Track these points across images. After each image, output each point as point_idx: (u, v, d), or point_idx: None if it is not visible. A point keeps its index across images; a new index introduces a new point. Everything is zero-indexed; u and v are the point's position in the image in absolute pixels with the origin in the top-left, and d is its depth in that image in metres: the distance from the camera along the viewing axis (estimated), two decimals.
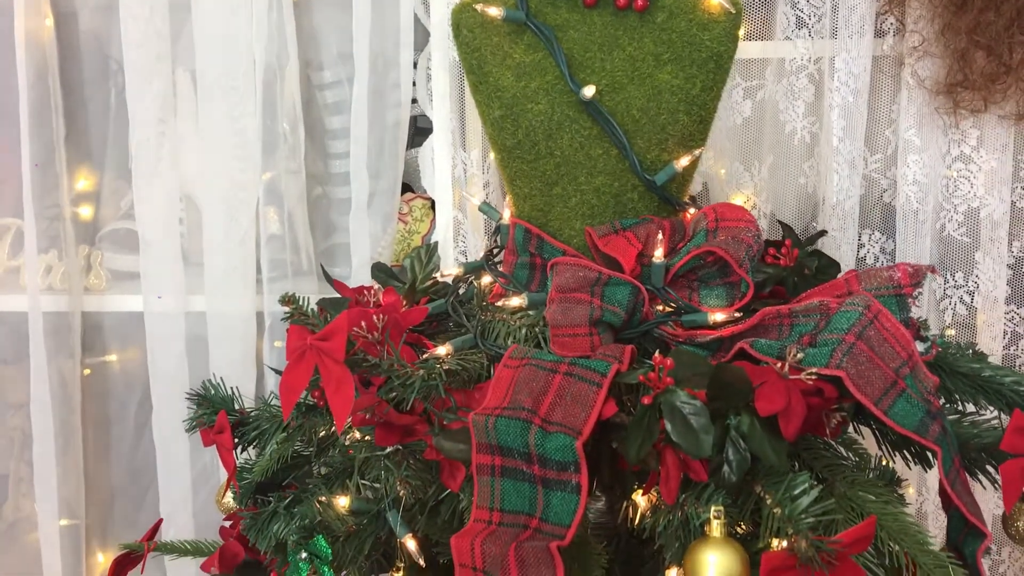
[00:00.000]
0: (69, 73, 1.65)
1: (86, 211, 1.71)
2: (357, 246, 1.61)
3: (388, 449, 0.95)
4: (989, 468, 0.98)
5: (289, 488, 1.11)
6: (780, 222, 1.10)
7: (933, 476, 1.55)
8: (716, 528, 0.79)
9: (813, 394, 0.85)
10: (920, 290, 0.99)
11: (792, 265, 1.05)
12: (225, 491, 1.27)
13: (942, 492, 0.95)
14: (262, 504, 1.13)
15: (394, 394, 0.93)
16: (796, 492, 0.82)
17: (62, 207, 1.62)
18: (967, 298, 1.55)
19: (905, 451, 1.02)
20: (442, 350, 0.96)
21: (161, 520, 1.32)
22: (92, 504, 1.72)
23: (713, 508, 0.79)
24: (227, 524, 1.20)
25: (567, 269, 0.97)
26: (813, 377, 0.84)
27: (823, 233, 1.12)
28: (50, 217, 1.64)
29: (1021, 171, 1.54)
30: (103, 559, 1.75)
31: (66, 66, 1.64)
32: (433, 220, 1.64)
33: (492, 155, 1.57)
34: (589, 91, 0.98)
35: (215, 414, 1.04)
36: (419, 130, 1.78)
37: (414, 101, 1.62)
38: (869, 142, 1.54)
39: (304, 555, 0.96)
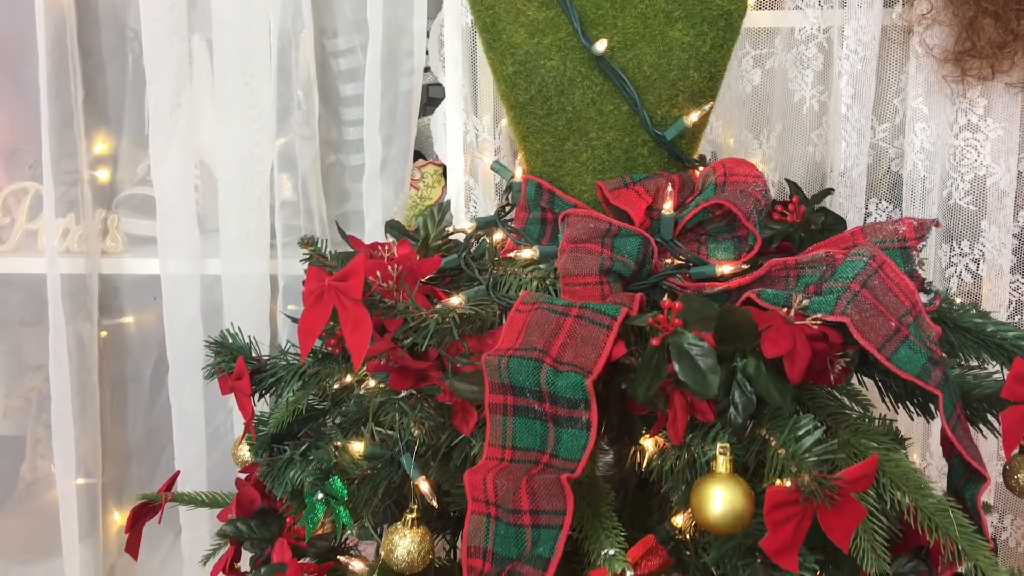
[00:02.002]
0: (87, 39, 1.67)
1: (103, 175, 1.74)
2: (370, 211, 1.63)
3: (402, 393, 0.97)
4: (990, 418, 1.00)
5: (304, 438, 1.14)
6: (788, 180, 1.12)
7: (937, 440, 1.57)
8: (722, 464, 0.81)
9: (818, 340, 0.87)
10: (924, 243, 1.01)
11: (799, 221, 1.07)
12: (241, 442, 1.29)
13: (943, 439, 0.97)
14: (278, 453, 1.15)
15: (408, 339, 0.95)
16: (800, 433, 0.84)
17: (80, 171, 1.65)
18: (972, 266, 1.57)
19: (908, 403, 1.05)
20: (455, 300, 0.99)
21: (178, 472, 1.35)
22: (109, 463, 1.75)
23: (719, 445, 0.82)
24: (243, 476, 1.23)
25: (578, 221, 0.99)
26: (818, 323, 0.86)
27: (829, 191, 1.13)
28: (68, 182, 1.66)
29: None
30: (119, 517, 1.79)
31: (84, 31, 1.66)
32: (444, 186, 1.67)
33: (504, 120, 1.59)
34: (601, 46, 1.00)
35: (233, 361, 1.07)
36: (430, 100, 1.80)
37: (427, 70, 1.64)
38: (877, 111, 1.56)
39: (320, 496, 0.98)
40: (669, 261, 1.02)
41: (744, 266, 0.99)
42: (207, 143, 1.67)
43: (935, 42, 1.47)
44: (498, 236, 1.14)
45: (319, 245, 0.87)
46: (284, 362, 1.09)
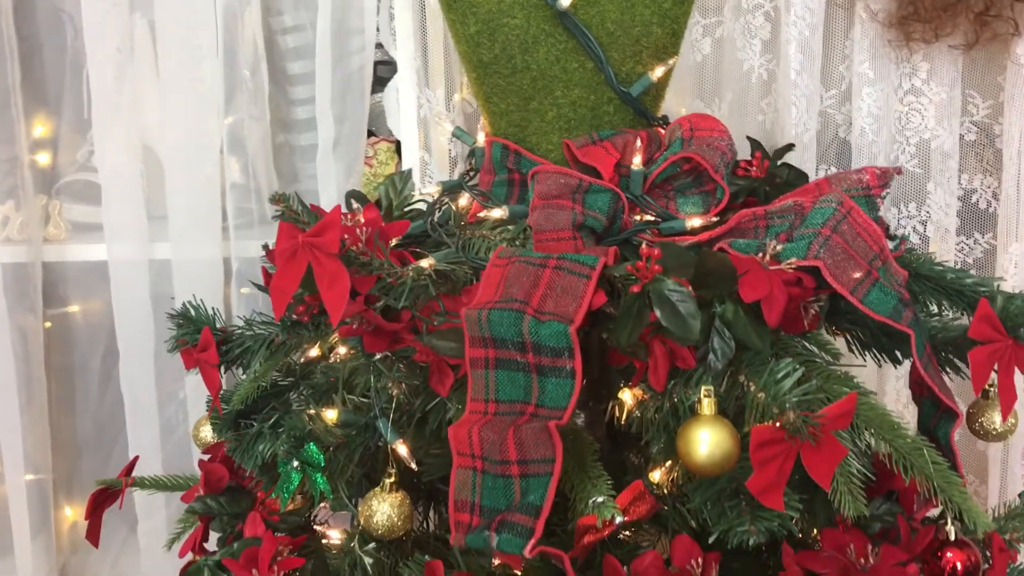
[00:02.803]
0: (24, 18, 1.62)
1: (44, 159, 1.68)
2: (324, 190, 1.61)
3: (377, 356, 0.96)
4: (956, 361, 1.02)
5: (272, 412, 1.12)
6: (748, 138, 1.13)
7: (893, 396, 1.61)
8: (707, 407, 0.81)
9: (793, 284, 0.88)
10: (888, 191, 1.03)
11: (763, 176, 1.08)
12: (203, 423, 1.26)
13: (912, 381, 0.99)
14: (244, 429, 1.13)
15: (381, 302, 0.94)
16: (779, 376, 0.85)
17: (19, 156, 1.60)
18: (920, 228, 1.60)
19: (874, 350, 1.06)
20: (425, 263, 0.98)
21: (137, 457, 1.32)
22: (58, 458, 1.70)
23: (703, 388, 0.82)
24: (205, 457, 1.20)
25: (548, 177, 0.99)
26: (792, 267, 0.87)
27: (791, 147, 1.15)
28: (6, 169, 1.61)
29: (968, 104, 1.59)
30: (71, 513, 1.74)
31: (21, 10, 1.61)
32: (398, 163, 1.65)
33: (457, 95, 1.59)
34: (565, 2, 1.00)
35: (197, 333, 1.04)
36: (378, 79, 1.78)
37: (378, 46, 1.63)
38: (824, 78, 1.58)
39: (295, 464, 0.96)
40: (638, 218, 1.02)
41: (714, 219, 0.99)
42: (151, 125, 1.63)
43: (879, 7, 1.50)
44: (462, 202, 1.13)
45: (291, 202, 0.86)
46: (250, 332, 1.07)
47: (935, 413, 0.95)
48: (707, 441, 0.80)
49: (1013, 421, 1.06)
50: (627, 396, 0.94)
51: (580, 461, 0.86)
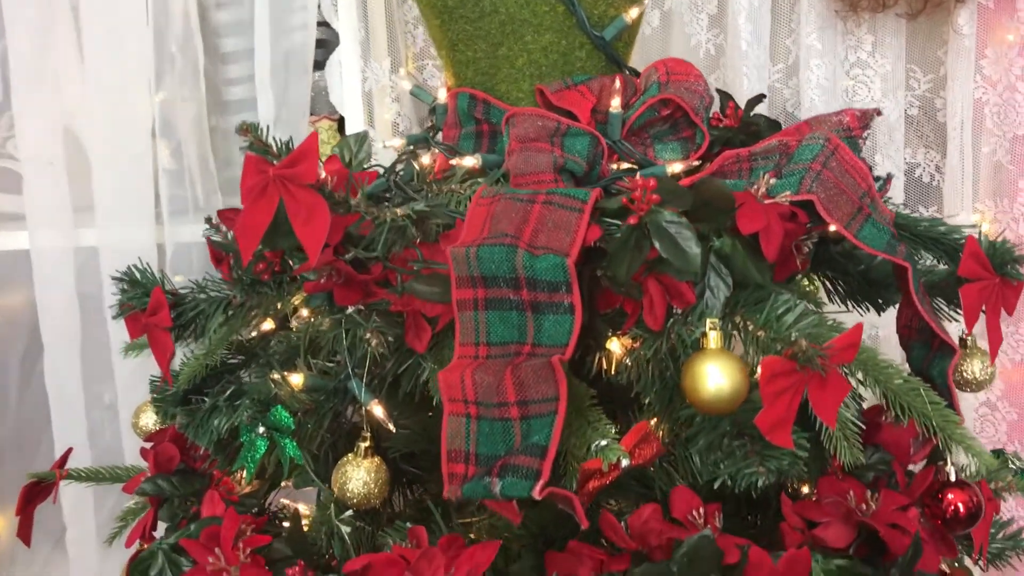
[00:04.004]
0: None
1: None
2: None
3: (349, 310, 0.89)
4: (940, 303, 1.00)
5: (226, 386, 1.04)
6: (719, 90, 1.10)
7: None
8: (714, 340, 0.77)
9: (787, 219, 0.85)
10: (868, 132, 1.01)
11: (738, 125, 1.05)
12: (143, 410, 1.18)
13: (901, 326, 0.97)
14: (195, 406, 1.05)
15: (350, 254, 0.88)
16: (781, 311, 0.82)
17: None
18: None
19: (857, 297, 1.04)
20: (399, 209, 0.92)
21: (71, 448, 1.22)
22: None
23: (708, 320, 0.78)
24: (147, 445, 1.11)
25: (525, 119, 0.94)
26: (787, 201, 0.84)
27: (762, 97, 1.12)
28: None
29: (910, 79, 1.61)
30: None
31: None
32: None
33: (403, 69, 1.53)
34: None
35: (146, 296, 0.96)
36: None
37: (320, 24, 1.56)
38: (771, 52, 1.57)
39: (261, 430, 0.89)
40: (615, 167, 0.98)
41: (695, 163, 0.96)
42: (75, 107, 1.54)
43: None
44: (424, 161, 1.08)
45: (260, 132, 0.79)
46: (204, 294, 0.99)
47: (927, 354, 0.93)
48: (718, 375, 0.76)
49: (991, 370, 1.05)
50: (615, 346, 0.90)
51: (577, 406, 0.80)
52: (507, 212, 0.81)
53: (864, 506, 0.87)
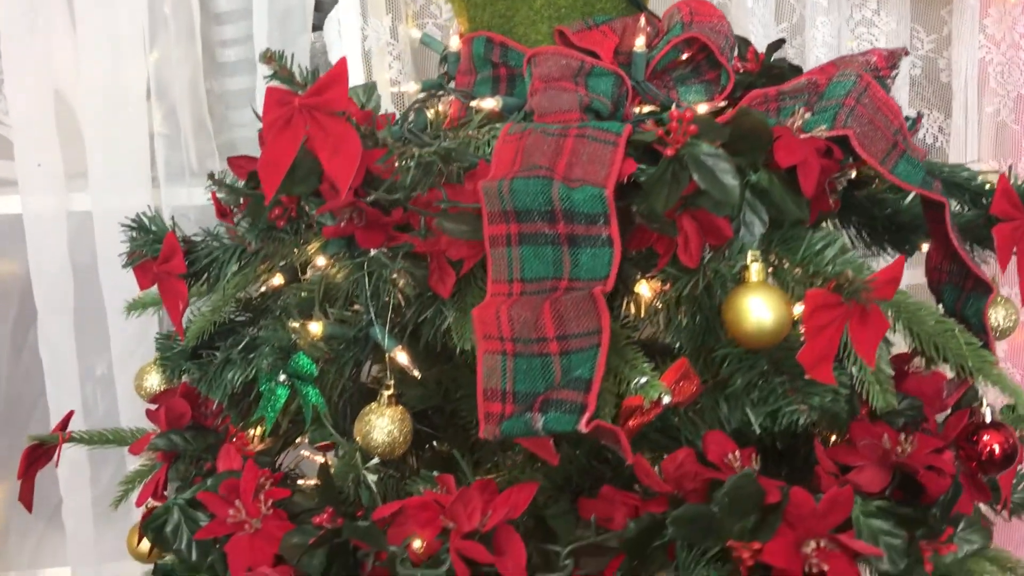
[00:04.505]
0: None
1: None
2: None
3: (372, 252, 0.86)
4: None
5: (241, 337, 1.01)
6: (737, 36, 1.08)
7: None
8: (756, 272, 0.75)
9: (823, 155, 0.83)
10: (897, 71, 0.99)
11: (760, 69, 1.03)
12: (147, 371, 1.14)
13: (931, 269, 0.95)
14: (206, 359, 1.02)
15: (371, 196, 0.85)
16: (819, 246, 0.80)
17: None
18: None
19: (883, 243, 1.03)
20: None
21: (72, 412, 1.18)
22: None
23: (750, 252, 0.76)
24: (153, 407, 1.08)
25: (548, 58, 0.91)
26: (823, 135, 0.82)
27: (782, 41, 1.10)
28: None
29: (915, 39, 1.60)
30: None
31: None
32: None
33: (402, 25, 1.50)
34: None
35: (157, 243, 0.92)
36: None
37: None
38: (776, 10, 1.55)
39: (282, 378, 0.86)
40: (638, 110, 0.96)
41: (721, 104, 0.94)
42: (66, 70, 1.49)
43: None
44: (439, 109, 1.05)
45: (283, 60, 0.75)
46: (217, 243, 0.95)
47: (959, 296, 0.91)
48: (759, 308, 0.74)
49: (1015, 318, 1.04)
50: (645, 289, 0.87)
51: (612, 345, 0.78)
52: (539, 146, 0.79)
53: (899, 449, 0.86)
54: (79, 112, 1.48)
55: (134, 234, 0.96)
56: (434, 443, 1.14)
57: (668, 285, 0.86)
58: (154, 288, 1.34)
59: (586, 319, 0.71)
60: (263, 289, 1.10)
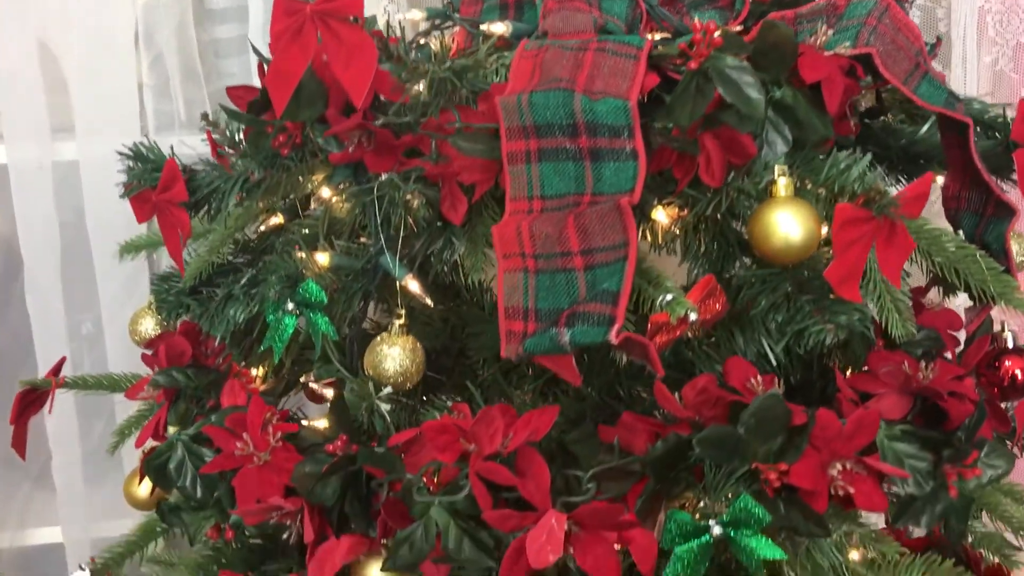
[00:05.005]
0: None
1: None
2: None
3: (382, 177, 0.83)
4: None
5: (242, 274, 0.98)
6: None
7: None
8: (784, 187, 0.73)
9: (846, 73, 0.81)
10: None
11: (769, 1, 1.01)
12: (144, 313, 1.11)
13: (948, 198, 0.94)
14: (207, 295, 0.99)
15: (380, 120, 0.82)
16: (844, 165, 0.78)
17: None
18: None
19: (897, 174, 1.01)
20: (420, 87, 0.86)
21: (65, 358, 1.15)
22: None
23: (777, 167, 0.74)
24: (148, 351, 1.05)
25: None
26: (846, 53, 0.80)
27: None
28: None
29: None
30: None
31: None
32: None
33: None
34: None
35: (156, 171, 0.89)
36: None
37: None
38: None
39: (291, 307, 0.83)
40: (649, 36, 0.94)
41: (737, 28, 0.92)
42: (50, 18, 1.45)
43: None
44: (435, 47, 1.02)
45: None
46: (218, 172, 0.92)
47: (978, 223, 0.90)
48: (788, 222, 0.72)
49: None
50: (661, 215, 0.85)
51: (636, 267, 0.76)
52: (558, 60, 0.76)
53: (921, 375, 0.84)
54: (64, 60, 1.44)
55: (131, 163, 0.92)
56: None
57: (686, 211, 0.84)
58: (147, 231, 1.32)
59: (612, 232, 0.69)
60: (262, 228, 1.07)
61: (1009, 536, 1.02)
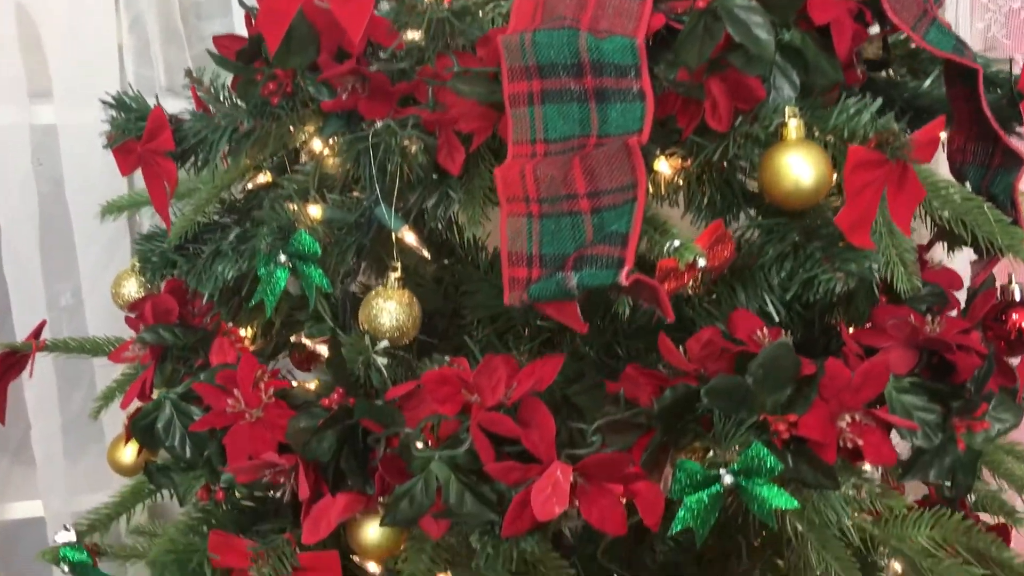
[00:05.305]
0: None
1: None
2: None
3: (378, 124, 0.80)
4: None
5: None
6: None
7: None
8: (794, 129, 0.71)
9: (855, 18, 0.79)
10: None
11: None
12: (127, 276, 1.08)
13: (953, 151, 0.92)
14: (194, 252, 0.96)
15: (373, 66, 0.80)
16: (853, 110, 0.76)
17: None
18: None
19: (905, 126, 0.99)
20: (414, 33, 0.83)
21: (45, 321, 1.12)
22: None
23: (788, 108, 0.72)
24: (132, 315, 1.02)
25: None
26: None
27: None
28: None
29: None
30: None
31: None
32: None
33: None
34: None
35: (141, 120, 0.85)
36: None
37: None
38: None
39: (283, 259, 0.80)
40: None
41: None
42: None
43: None
44: None
45: None
46: (205, 123, 0.89)
47: (984, 174, 0.88)
48: (799, 164, 0.70)
49: None
50: (664, 165, 0.83)
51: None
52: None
53: (928, 328, 0.83)
54: (41, 23, 1.40)
55: (114, 113, 0.89)
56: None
57: (690, 161, 0.82)
58: (129, 192, 1.28)
59: (619, 173, 0.66)
60: (249, 187, 1.04)
61: (1009, 498, 1.01)
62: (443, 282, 1.02)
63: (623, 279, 0.62)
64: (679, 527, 0.67)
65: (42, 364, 1.37)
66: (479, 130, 0.80)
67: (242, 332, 0.96)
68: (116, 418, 1.14)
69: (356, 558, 1.01)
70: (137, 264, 1.05)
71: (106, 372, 1.36)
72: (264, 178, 1.04)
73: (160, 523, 1.26)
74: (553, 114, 0.71)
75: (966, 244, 0.89)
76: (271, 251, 0.80)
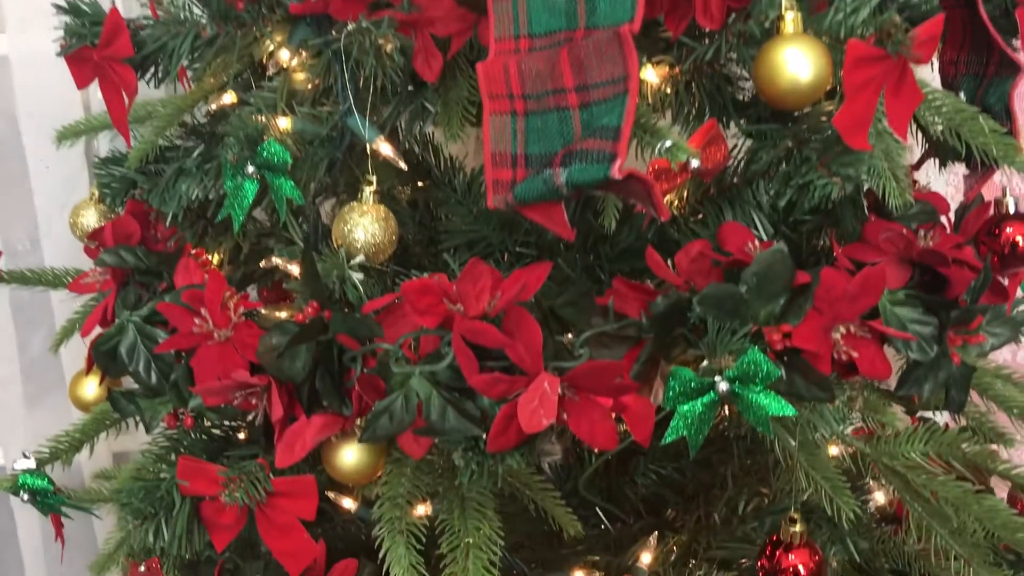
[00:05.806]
0: None
1: None
2: None
3: (350, 26, 0.76)
4: None
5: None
6: None
7: None
8: (791, 23, 0.68)
9: None
10: None
11: None
12: (86, 205, 1.03)
13: (945, 63, 0.90)
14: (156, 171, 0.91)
15: None
16: (850, 9, 0.72)
17: None
18: None
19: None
20: None
21: (1, 251, 1.07)
22: None
23: (784, 1, 0.68)
24: (93, 244, 0.97)
25: None
26: None
27: None
28: None
29: None
30: None
31: None
32: None
33: None
34: None
35: (96, 26, 0.80)
36: None
37: None
38: None
39: (251, 170, 0.76)
40: None
41: None
42: None
43: None
44: None
45: None
46: (165, 29, 0.83)
47: (979, 84, 0.86)
48: (797, 60, 0.66)
49: None
50: (651, 74, 0.79)
51: None
52: None
53: (921, 242, 0.81)
54: None
55: (68, 19, 0.83)
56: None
57: (678, 68, 0.79)
58: (87, 114, 1.22)
59: (610, 64, 0.63)
60: (213, 107, 0.99)
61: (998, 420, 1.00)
62: (418, 207, 0.98)
63: (615, 173, 0.59)
64: (672, 437, 0.64)
65: None
66: (458, 33, 0.76)
67: (210, 255, 0.92)
68: (77, 363, 1.09)
69: (332, 494, 0.97)
70: (96, 192, 1.01)
71: (66, 313, 1.31)
72: (230, 98, 0.99)
73: (123, 467, 1.22)
74: (537, 5, 0.67)
75: (959, 158, 0.87)
76: (238, 162, 0.76)
